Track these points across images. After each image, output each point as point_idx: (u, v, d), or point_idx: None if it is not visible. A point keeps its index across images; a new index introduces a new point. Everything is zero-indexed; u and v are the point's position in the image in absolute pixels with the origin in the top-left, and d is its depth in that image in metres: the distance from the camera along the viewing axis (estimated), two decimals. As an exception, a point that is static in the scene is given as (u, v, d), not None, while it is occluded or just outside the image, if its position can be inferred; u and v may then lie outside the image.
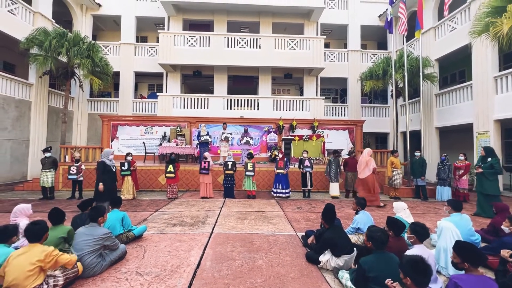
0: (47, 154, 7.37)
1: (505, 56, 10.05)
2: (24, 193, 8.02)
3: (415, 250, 2.74)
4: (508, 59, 10.10)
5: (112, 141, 11.51)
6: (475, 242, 3.67)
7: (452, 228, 3.21)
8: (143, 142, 10.83)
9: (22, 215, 3.72)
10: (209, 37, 12.84)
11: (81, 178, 7.45)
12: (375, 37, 15.98)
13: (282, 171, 7.50)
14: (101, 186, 5.44)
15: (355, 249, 3.21)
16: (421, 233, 2.82)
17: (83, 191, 7.56)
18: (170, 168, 7.22)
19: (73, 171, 7.21)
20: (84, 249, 2.96)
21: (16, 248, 3.41)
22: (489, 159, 5.74)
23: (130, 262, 3.31)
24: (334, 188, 7.80)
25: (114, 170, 5.86)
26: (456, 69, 12.23)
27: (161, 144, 10.75)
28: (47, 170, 7.19)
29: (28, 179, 10.04)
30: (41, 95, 11.04)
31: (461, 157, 7.52)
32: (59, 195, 7.67)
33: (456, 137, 11.71)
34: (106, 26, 15.50)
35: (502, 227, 3.48)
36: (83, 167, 7.51)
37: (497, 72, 8.72)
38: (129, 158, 7.47)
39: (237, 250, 3.72)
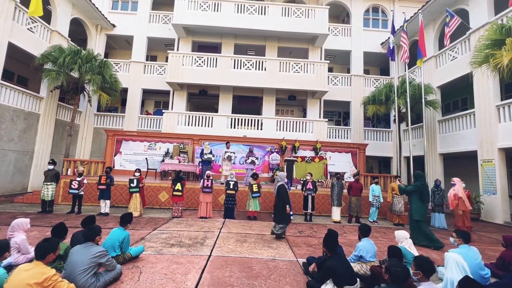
0: (50, 167, 7.38)
1: (507, 86, 10.20)
2: (23, 206, 7.95)
3: None
4: (510, 88, 10.25)
5: (115, 155, 11.59)
6: (485, 277, 3.49)
7: (457, 259, 3.10)
8: (146, 158, 10.86)
9: (20, 230, 3.66)
10: (216, 59, 13.30)
11: (82, 193, 7.37)
12: (377, 63, 16.43)
13: (284, 192, 7.39)
14: (288, 208, 5.55)
15: (358, 280, 3.08)
16: (427, 268, 2.65)
17: (82, 206, 7.47)
18: (179, 186, 7.07)
19: (74, 185, 7.12)
20: (78, 267, 2.86)
21: (12, 264, 3.36)
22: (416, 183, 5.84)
23: (124, 284, 3.20)
24: (336, 213, 7.65)
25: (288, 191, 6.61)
26: (458, 96, 12.38)
27: (163, 160, 10.78)
28: (48, 183, 7.16)
29: (28, 191, 10.01)
30: (50, 108, 11.31)
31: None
32: (58, 209, 7.58)
33: (461, 164, 11.58)
34: (119, 44, 16.19)
35: None
36: (85, 181, 7.44)
37: (499, 101, 8.81)
38: (137, 174, 7.29)
39: (235, 275, 3.60)
